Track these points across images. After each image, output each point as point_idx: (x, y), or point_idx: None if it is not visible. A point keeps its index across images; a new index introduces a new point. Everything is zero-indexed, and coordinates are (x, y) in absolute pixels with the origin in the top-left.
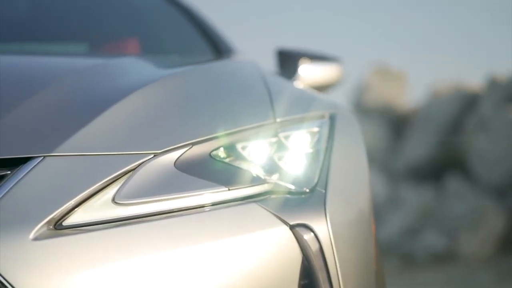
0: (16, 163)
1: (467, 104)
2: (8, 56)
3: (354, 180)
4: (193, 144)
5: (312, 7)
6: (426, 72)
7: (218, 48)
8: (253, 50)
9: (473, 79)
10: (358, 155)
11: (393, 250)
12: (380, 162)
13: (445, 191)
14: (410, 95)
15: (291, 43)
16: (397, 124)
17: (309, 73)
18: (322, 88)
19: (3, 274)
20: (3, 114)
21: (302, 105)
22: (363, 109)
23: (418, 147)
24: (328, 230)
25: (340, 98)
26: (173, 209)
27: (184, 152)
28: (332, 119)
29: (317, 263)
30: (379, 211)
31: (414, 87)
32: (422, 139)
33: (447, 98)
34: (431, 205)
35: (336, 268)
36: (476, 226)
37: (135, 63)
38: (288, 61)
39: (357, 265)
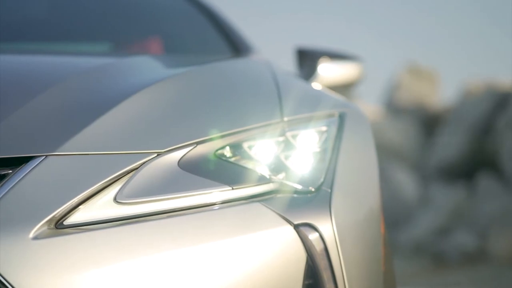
0: (18, 162)
1: (499, 103)
2: (16, 56)
3: (362, 180)
4: (198, 143)
5: (343, 6)
6: (458, 71)
7: (236, 47)
8: (281, 49)
9: (505, 77)
10: (367, 155)
11: (424, 250)
12: (411, 161)
13: (476, 190)
14: (441, 94)
15: (321, 42)
16: (428, 123)
17: (328, 72)
18: (341, 87)
19: (2, 273)
20: (6, 114)
21: (312, 104)
22: (395, 108)
23: (450, 146)
24: (333, 229)
25: (372, 97)
26: (176, 209)
27: (188, 151)
28: (342, 118)
29: (321, 263)
30: (410, 211)
31: (445, 86)
32: (454, 138)
33: (479, 97)
34: (462, 204)
35: (341, 268)
36: (507, 225)
37: (144, 63)
38: (307, 60)
39: (363, 265)
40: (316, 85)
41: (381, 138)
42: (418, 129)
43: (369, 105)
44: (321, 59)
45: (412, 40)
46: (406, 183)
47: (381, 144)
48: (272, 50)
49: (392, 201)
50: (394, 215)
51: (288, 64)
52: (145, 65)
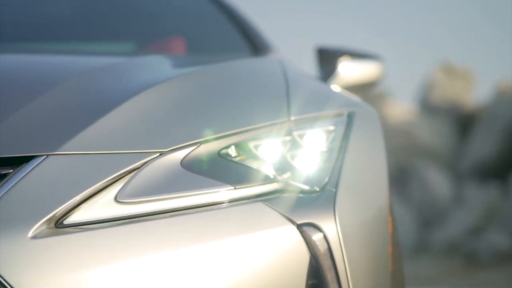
0: (19, 162)
1: None
2: (21, 55)
3: (370, 180)
4: (201, 143)
5: (378, 5)
6: (492, 70)
7: (255, 45)
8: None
9: None
10: (376, 155)
11: (456, 249)
12: (445, 160)
13: (510, 190)
14: (475, 93)
15: (354, 42)
16: (462, 122)
17: (348, 71)
18: (362, 86)
19: (1, 273)
20: (8, 114)
21: (321, 104)
22: (429, 107)
23: (484, 145)
24: (337, 229)
25: (406, 96)
26: (177, 208)
27: (191, 151)
28: (350, 117)
29: (325, 263)
30: (443, 210)
31: (479, 85)
32: (487, 137)
33: None
34: (495, 204)
35: (345, 268)
36: None
37: (153, 62)
38: (327, 59)
39: (369, 265)
40: (328, 85)
41: (415, 137)
42: (452, 128)
43: (403, 104)
44: (341, 58)
45: (447, 39)
46: (440, 182)
47: (415, 143)
48: (301, 49)
49: (425, 200)
50: (427, 215)
51: (310, 63)
52: (153, 65)
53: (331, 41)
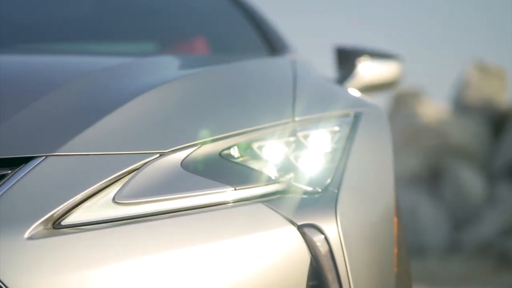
0: (18, 163)
1: None
2: (25, 56)
3: (374, 181)
4: (203, 143)
5: (411, 4)
6: None
7: (273, 46)
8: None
9: None
10: (382, 156)
11: (489, 249)
12: (478, 160)
13: None
14: (510, 92)
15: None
16: (496, 121)
17: (368, 71)
18: (381, 86)
19: None
20: (8, 115)
21: (328, 104)
22: (463, 107)
23: None
24: (338, 230)
25: (440, 95)
26: (176, 209)
27: (192, 151)
28: (357, 118)
29: (326, 264)
30: (476, 210)
31: None
32: None
33: None
34: None
35: (347, 269)
36: None
37: (162, 63)
38: (347, 59)
39: (372, 266)
40: (339, 85)
41: (448, 137)
42: (485, 127)
43: (436, 103)
44: (360, 58)
45: (481, 37)
46: (472, 182)
47: (448, 142)
48: (326, 50)
49: (458, 200)
50: (459, 215)
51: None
52: (160, 65)
53: (361, 41)
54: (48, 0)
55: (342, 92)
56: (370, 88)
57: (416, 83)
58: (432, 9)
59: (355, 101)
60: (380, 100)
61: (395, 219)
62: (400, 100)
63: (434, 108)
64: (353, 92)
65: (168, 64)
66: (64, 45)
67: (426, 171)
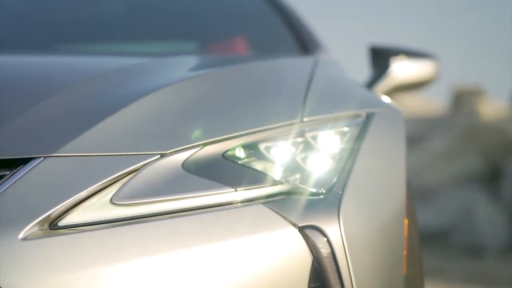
0: (17, 164)
1: None
2: (35, 57)
3: (383, 182)
4: (205, 144)
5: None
6: None
7: (305, 45)
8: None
9: None
10: (393, 157)
11: None
12: None
13: None
14: None
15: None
16: None
17: (402, 70)
18: (415, 85)
19: None
20: (9, 117)
21: (340, 105)
22: None
23: None
24: (341, 231)
25: (501, 93)
26: (174, 210)
27: (194, 152)
28: (369, 118)
29: (328, 266)
30: None
31: None
32: None
33: None
34: None
35: (349, 271)
36: None
37: (175, 64)
38: (381, 58)
39: (377, 269)
40: (358, 86)
41: (508, 135)
42: None
43: (497, 102)
44: (395, 57)
45: None
46: None
47: (508, 141)
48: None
49: None
50: None
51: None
52: (172, 66)
53: (416, 40)
54: (87, 1)
55: (359, 93)
56: (404, 88)
57: (476, 81)
58: (493, 9)
59: (370, 102)
60: (440, 99)
61: (406, 221)
62: (460, 99)
63: (494, 106)
64: (373, 93)
65: (182, 65)
66: (105, 46)
67: (485, 170)
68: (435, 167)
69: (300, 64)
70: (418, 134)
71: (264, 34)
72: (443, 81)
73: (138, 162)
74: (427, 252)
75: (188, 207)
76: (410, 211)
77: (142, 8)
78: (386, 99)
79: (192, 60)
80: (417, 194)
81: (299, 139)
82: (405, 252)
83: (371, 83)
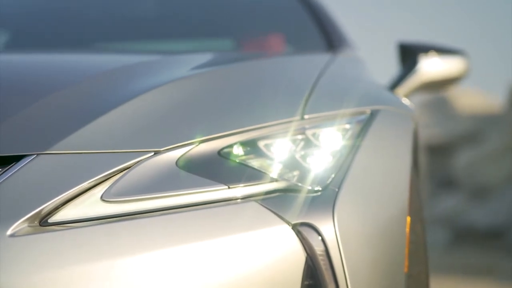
0: (10, 161)
1: None
2: (36, 55)
3: (384, 180)
4: (200, 142)
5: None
6: None
7: (331, 42)
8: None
9: None
10: (397, 154)
11: None
12: None
13: None
14: None
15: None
16: None
17: (431, 67)
18: (444, 82)
19: None
20: (8, 115)
21: (345, 102)
22: None
23: None
24: (335, 229)
25: None
26: (166, 207)
27: (189, 150)
28: (373, 116)
29: (321, 264)
30: None
31: None
32: None
33: None
34: None
35: (343, 269)
36: None
37: (178, 62)
38: (410, 55)
39: (374, 266)
40: (368, 83)
41: None
42: None
43: None
44: (423, 54)
45: None
46: None
47: None
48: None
49: None
50: None
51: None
52: (177, 64)
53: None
54: (121, 0)
55: (368, 90)
56: (432, 84)
57: None
58: None
59: (378, 99)
60: (494, 95)
61: (408, 219)
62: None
63: None
64: (385, 91)
65: (187, 63)
66: (141, 44)
67: None
68: (491, 165)
69: (313, 61)
70: (473, 131)
71: (294, 31)
72: (499, 77)
73: (131, 160)
74: (482, 251)
75: (180, 204)
76: (415, 210)
77: (179, 7)
78: (398, 97)
79: (199, 58)
80: (472, 193)
81: (300, 137)
82: (406, 250)
83: (399, 80)
